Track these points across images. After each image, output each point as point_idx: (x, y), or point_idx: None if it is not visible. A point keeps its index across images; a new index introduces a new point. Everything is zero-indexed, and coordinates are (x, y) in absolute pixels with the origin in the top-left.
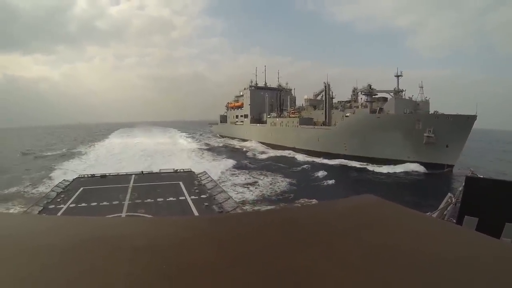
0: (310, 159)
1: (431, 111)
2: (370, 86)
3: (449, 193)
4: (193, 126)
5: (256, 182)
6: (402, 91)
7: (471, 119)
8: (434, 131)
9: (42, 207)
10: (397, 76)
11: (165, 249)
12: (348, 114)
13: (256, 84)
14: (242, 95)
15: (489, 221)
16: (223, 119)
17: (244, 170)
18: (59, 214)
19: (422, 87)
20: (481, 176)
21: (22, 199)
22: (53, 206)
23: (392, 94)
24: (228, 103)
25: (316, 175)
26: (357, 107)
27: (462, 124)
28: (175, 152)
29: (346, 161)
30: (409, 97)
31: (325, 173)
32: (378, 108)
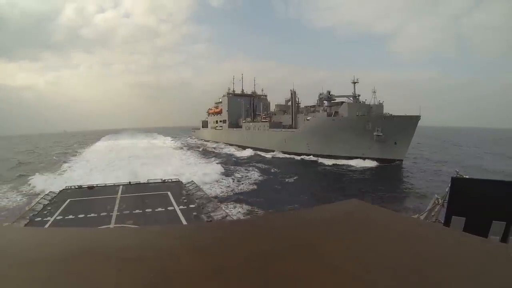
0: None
1: (385, 113)
2: (329, 92)
3: (435, 195)
4: (176, 132)
5: None
6: (358, 96)
7: (415, 119)
8: (382, 131)
9: (28, 220)
10: (354, 83)
11: (153, 258)
12: (309, 118)
13: (234, 91)
14: (221, 102)
15: (476, 220)
16: (205, 124)
17: None
18: (45, 226)
19: (375, 92)
20: (467, 177)
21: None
22: (40, 218)
23: (351, 98)
24: (209, 109)
25: None
26: (319, 111)
27: (407, 123)
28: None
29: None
30: (361, 101)
31: None
32: (334, 112)
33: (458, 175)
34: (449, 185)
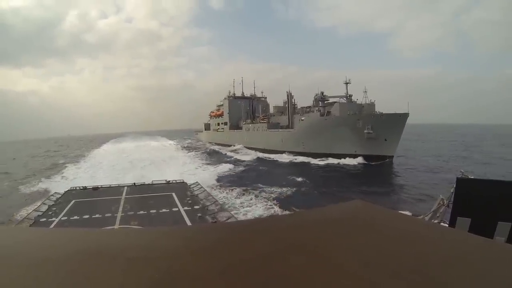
0: None
1: (376, 111)
2: (322, 93)
3: (440, 195)
4: (179, 135)
5: None
6: (350, 96)
7: (403, 116)
8: (372, 128)
9: (33, 221)
10: (346, 83)
11: (158, 259)
12: (303, 118)
13: (234, 94)
14: (222, 105)
15: (482, 221)
16: (207, 127)
17: None
18: (50, 227)
19: (366, 91)
20: (472, 177)
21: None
22: (45, 219)
23: (344, 98)
24: (211, 112)
25: None
26: (313, 111)
27: (396, 121)
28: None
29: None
30: (354, 101)
31: None
32: (327, 112)
33: (463, 176)
34: (454, 186)
